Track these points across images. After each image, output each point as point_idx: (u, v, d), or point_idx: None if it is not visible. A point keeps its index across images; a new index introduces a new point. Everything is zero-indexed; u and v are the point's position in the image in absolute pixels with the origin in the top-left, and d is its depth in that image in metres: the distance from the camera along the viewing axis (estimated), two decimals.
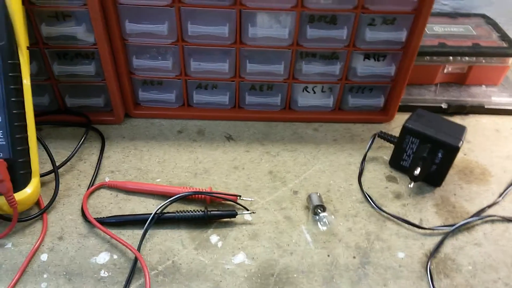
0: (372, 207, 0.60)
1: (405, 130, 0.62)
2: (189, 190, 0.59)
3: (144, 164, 0.64)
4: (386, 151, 0.68)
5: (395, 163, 0.65)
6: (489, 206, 0.61)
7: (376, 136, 0.67)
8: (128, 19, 0.62)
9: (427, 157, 0.60)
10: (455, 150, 0.59)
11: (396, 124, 0.74)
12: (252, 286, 0.51)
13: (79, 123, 0.69)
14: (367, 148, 0.67)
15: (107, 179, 0.62)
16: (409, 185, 0.62)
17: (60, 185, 0.61)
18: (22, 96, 0.54)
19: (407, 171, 0.64)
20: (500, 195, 0.63)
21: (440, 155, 0.60)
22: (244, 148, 0.68)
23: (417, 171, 0.59)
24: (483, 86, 0.79)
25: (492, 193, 0.64)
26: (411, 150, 0.62)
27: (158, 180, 0.62)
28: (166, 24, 0.62)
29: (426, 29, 0.77)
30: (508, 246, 0.57)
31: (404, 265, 0.54)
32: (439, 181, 0.63)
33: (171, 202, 0.57)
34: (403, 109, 0.73)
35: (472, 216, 0.60)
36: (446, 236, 0.57)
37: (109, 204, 0.59)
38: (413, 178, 0.61)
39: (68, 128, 0.69)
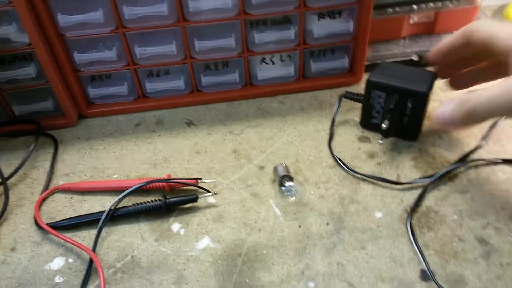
0: (345, 170, 0.56)
1: (369, 84, 0.57)
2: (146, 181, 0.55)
3: (100, 162, 0.61)
4: (356, 112, 0.64)
5: (366, 122, 0.61)
6: (472, 151, 0.57)
7: (342, 98, 0.62)
8: (60, 11, 0.58)
9: (395, 109, 0.55)
10: (423, 96, 0.54)
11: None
12: (218, 269, 0.47)
13: (32, 131, 0.66)
14: (334, 111, 0.62)
15: (61, 183, 0.58)
16: (380, 141, 0.57)
17: (13, 195, 0.57)
18: None
19: (378, 128, 0.59)
20: (483, 138, 0.58)
21: (410, 105, 0.55)
22: (206, 132, 0.64)
23: (385, 124, 0.55)
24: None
25: (475, 138, 0.59)
26: (380, 105, 0.58)
27: (115, 176, 0.59)
28: (100, 11, 0.58)
29: None
30: (495, 189, 0.52)
31: (382, 224, 0.50)
32: (414, 134, 0.59)
33: (125, 195, 0.53)
34: (371, 68, 0.68)
35: (454, 163, 0.55)
36: (426, 188, 0.52)
37: (63, 208, 0.55)
38: (384, 133, 0.56)
39: (21, 138, 0.66)
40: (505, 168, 0.54)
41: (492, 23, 0.48)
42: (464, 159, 0.56)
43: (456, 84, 0.58)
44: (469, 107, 0.46)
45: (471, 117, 0.46)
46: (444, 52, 0.55)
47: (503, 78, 0.45)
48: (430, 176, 0.54)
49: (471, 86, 0.57)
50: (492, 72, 0.53)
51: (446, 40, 0.55)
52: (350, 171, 0.55)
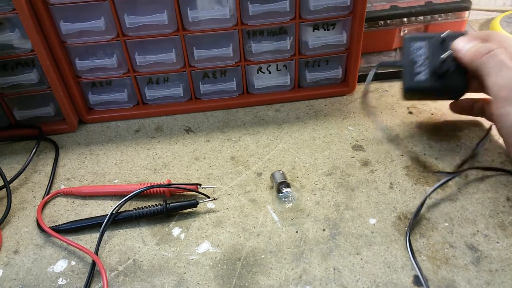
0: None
1: (406, 40, 0.59)
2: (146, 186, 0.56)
3: (101, 168, 0.62)
4: (351, 121, 0.66)
5: (410, 83, 0.58)
6: (463, 162, 0.59)
7: (378, 67, 0.61)
8: (62, 19, 0.60)
9: (440, 52, 0.56)
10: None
11: (359, 95, 0.71)
12: (218, 273, 0.49)
13: (33, 136, 0.66)
14: (368, 81, 0.61)
15: (62, 187, 0.59)
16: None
17: (15, 199, 0.58)
18: None
19: (424, 90, 0.58)
20: (473, 149, 0.60)
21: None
22: (204, 138, 0.65)
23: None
24: None
25: (465, 148, 0.61)
26: (422, 56, 0.58)
27: (115, 181, 0.60)
28: (102, 19, 0.60)
29: None
30: (484, 197, 0.54)
31: (376, 231, 0.52)
32: (461, 85, 0.58)
33: (127, 200, 0.54)
34: (364, 79, 0.71)
35: (447, 174, 0.57)
36: (425, 199, 0.54)
37: (65, 211, 0.56)
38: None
39: (22, 143, 0.67)
40: (494, 177, 0.57)
41: None
42: (455, 169, 0.58)
43: (454, 108, 0.64)
44: (480, 56, 0.52)
45: (476, 63, 0.53)
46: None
47: None
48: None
49: (466, 113, 0.64)
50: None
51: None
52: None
